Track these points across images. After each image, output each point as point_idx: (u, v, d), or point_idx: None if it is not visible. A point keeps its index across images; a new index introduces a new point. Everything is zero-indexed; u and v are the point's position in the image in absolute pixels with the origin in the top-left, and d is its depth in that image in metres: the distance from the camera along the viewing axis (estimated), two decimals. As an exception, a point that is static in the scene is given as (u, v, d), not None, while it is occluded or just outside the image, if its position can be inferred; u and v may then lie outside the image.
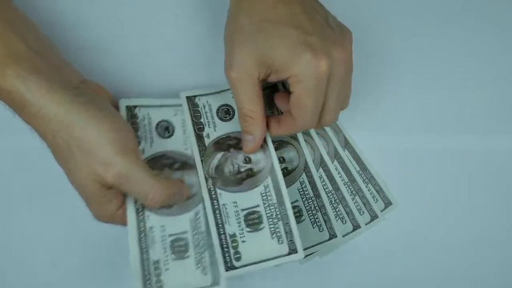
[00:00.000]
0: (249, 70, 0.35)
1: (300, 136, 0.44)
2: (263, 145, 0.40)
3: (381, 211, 0.45)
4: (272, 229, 0.38)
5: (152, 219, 0.37)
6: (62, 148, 0.32)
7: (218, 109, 0.42)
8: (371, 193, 0.45)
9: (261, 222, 0.38)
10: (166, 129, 0.39)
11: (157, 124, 0.39)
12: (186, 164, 0.39)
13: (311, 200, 0.43)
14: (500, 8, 0.48)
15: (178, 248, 0.36)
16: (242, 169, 0.40)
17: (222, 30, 0.42)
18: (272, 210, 0.38)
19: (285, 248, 0.37)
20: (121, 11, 0.44)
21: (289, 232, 0.37)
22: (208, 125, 0.41)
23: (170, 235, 0.37)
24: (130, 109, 0.39)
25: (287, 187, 0.40)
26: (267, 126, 0.39)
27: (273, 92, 0.43)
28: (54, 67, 0.34)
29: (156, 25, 0.44)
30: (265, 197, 0.39)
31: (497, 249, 0.45)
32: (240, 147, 0.40)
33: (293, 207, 0.41)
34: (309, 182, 0.43)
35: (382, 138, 0.46)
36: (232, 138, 0.41)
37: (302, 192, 0.43)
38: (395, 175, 0.45)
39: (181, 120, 0.40)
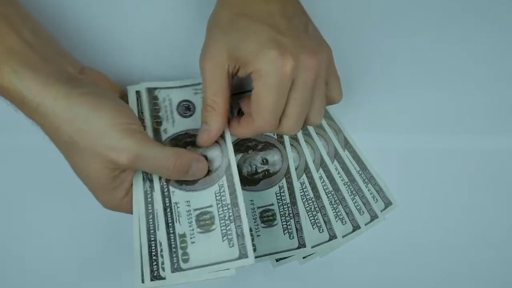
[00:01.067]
0: (220, 62, 0.35)
1: (300, 137, 0.44)
2: (281, 148, 0.43)
3: (381, 211, 0.45)
4: (284, 225, 0.41)
5: (177, 195, 0.37)
6: (66, 142, 0.33)
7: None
8: (371, 193, 0.45)
9: (274, 219, 0.42)
10: (187, 108, 0.40)
11: (178, 104, 0.40)
12: None
13: (311, 201, 0.43)
14: (500, 8, 0.48)
15: (204, 221, 0.37)
16: (259, 170, 0.42)
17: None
18: (286, 209, 0.42)
19: (295, 243, 0.41)
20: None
21: (299, 229, 0.41)
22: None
23: (196, 209, 0.37)
24: (150, 91, 0.40)
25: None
26: (229, 126, 0.39)
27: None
28: (50, 59, 0.34)
29: (161, 11, 0.44)
30: (279, 197, 0.42)
31: (497, 249, 0.45)
32: (259, 148, 0.42)
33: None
34: (309, 183, 0.43)
35: (382, 138, 0.46)
36: (251, 140, 0.43)
37: (303, 193, 0.43)
38: (395, 175, 0.45)
39: (201, 99, 0.40)
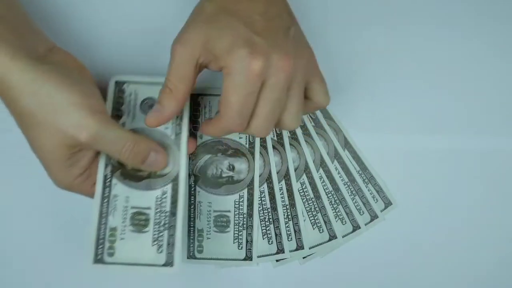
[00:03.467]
0: (192, 49, 0.34)
1: (300, 137, 0.44)
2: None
3: (381, 211, 0.45)
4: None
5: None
6: (26, 115, 0.33)
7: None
8: (371, 193, 0.45)
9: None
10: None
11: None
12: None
13: (311, 201, 0.43)
14: (500, 8, 0.48)
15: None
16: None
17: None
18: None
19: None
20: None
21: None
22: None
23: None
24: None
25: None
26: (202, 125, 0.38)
27: None
28: (21, 35, 0.34)
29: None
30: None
31: (497, 249, 0.45)
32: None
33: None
34: (309, 183, 0.43)
35: (382, 138, 0.46)
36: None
37: (303, 193, 0.43)
38: (395, 175, 0.45)
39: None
